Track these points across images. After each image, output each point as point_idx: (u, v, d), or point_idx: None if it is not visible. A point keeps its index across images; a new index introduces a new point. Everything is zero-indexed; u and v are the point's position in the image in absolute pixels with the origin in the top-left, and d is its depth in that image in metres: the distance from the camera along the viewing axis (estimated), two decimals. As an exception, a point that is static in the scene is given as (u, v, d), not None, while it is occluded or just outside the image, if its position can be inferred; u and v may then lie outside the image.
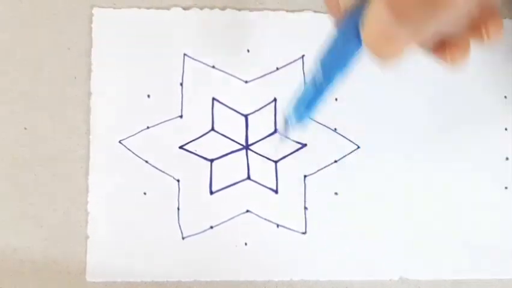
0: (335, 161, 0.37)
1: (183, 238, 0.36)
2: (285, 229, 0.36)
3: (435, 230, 0.37)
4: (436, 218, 0.37)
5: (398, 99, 0.38)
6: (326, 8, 0.36)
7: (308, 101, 0.29)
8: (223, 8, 0.37)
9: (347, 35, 0.27)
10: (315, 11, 0.38)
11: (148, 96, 0.37)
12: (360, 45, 0.26)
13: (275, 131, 0.37)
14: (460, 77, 0.38)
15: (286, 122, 0.31)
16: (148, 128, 0.37)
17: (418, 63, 0.38)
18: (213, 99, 0.37)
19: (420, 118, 0.37)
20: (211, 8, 0.37)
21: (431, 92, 0.38)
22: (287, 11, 0.38)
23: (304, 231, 0.36)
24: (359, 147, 0.37)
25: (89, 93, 0.37)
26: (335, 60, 0.28)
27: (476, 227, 0.37)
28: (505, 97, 0.38)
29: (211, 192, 0.36)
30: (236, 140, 0.37)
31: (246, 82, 0.37)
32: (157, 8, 0.37)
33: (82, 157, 0.36)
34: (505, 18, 0.38)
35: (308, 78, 0.33)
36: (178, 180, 0.36)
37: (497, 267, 0.37)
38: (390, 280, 0.37)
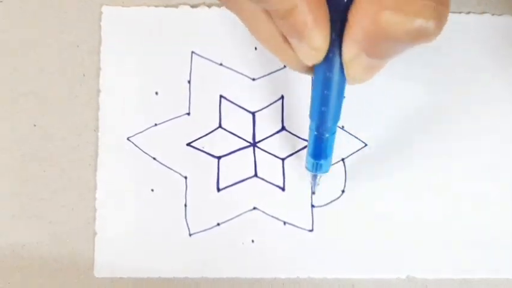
0: (342, 159, 0.37)
1: (190, 235, 0.36)
2: (292, 227, 0.36)
3: (443, 228, 0.37)
4: (444, 217, 0.37)
5: (406, 97, 0.37)
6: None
7: (316, 150, 0.31)
8: (231, 6, 0.38)
9: (326, 79, 0.27)
10: (322, 9, 0.38)
11: (156, 93, 0.37)
12: (343, 82, 0.27)
13: (282, 128, 0.37)
14: (468, 76, 0.38)
15: (313, 178, 0.35)
16: (155, 125, 0.37)
17: (427, 62, 0.38)
18: (221, 96, 0.37)
19: (429, 116, 0.37)
20: (219, 5, 0.38)
21: (439, 90, 0.37)
22: (295, 9, 0.38)
23: (311, 228, 0.36)
24: (366, 145, 0.37)
25: (98, 91, 0.37)
26: (323, 103, 0.28)
27: (485, 226, 0.37)
28: (514, 95, 0.38)
29: (218, 189, 0.37)
30: (243, 137, 0.37)
31: (254, 80, 0.37)
32: (166, 6, 0.38)
33: (90, 154, 0.37)
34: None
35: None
36: (185, 177, 0.36)
37: (506, 267, 0.36)
38: (397, 279, 0.36)
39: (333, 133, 0.31)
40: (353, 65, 0.25)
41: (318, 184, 0.36)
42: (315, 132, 0.30)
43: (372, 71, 0.26)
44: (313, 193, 0.37)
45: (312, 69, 0.27)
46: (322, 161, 0.32)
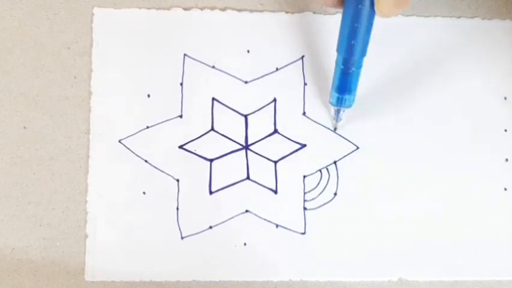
0: (335, 162, 0.37)
1: (182, 238, 0.36)
2: (285, 229, 0.36)
3: (434, 231, 0.37)
4: (435, 219, 0.37)
5: (397, 100, 0.38)
6: (324, 8, 0.37)
7: (341, 84, 0.33)
8: (223, 9, 0.38)
9: (357, 11, 0.29)
10: (314, 12, 0.38)
11: (148, 96, 0.37)
12: (373, 15, 0.29)
13: (275, 131, 0.37)
14: (459, 78, 0.38)
15: (336, 113, 0.36)
16: (147, 127, 0.37)
17: (417, 65, 0.38)
18: (213, 99, 0.37)
19: (420, 119, 0.38)
20: (212, 8, 0.38)
21: (430, 93, 0.38)
22: (287, 12, 0.38)
23: (303, 231, 0.36)
24: (358, 147, 0.37)
25: (89, 93, 0.37)
26: (352, 36, 0.30)
27: (475, 228, 0.37)
28: (505, 98, 0.38)
29: (211, 192, 0.36)
30: (236, 140, 0.37)
31: (246, 82, 0.37)
32: (158, 9, 0.37)
33: (81, 156, 0.36)
34: (505, 19, 0.38)
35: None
36: (177, 180, 0.36)
37: (496, 268, 0.37)
38: (389, 281, 0.36)
39: (359, 67, 0.32)
40: None
41: (340, 119, 0.36)
42: (342, 66, 0.32)
43: (400, 5, 0.28)
44: (335, 128, 0.37)
45: (341, 3, 0.29)
46: (346, 96, 0.33)
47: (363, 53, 0.31)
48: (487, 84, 0.38)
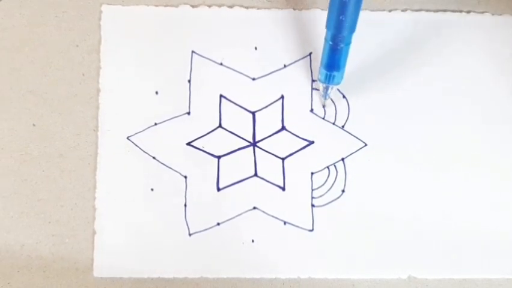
0: (342, 159, 0.37)
1: (190, 234, 0.36)
2: (292, 226, 0.36)
3: (443, 228, 0.36)
4: (444, 217, 0.37)
5: (406, 96, 0.37)
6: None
7: (330, 61, 0.33)
8: (231, 6, 0.38)
9: None
10: (322, 9, 0.38)
11: (156, 93, 0.37)
12: None
13: (282, 127, 0.37)
14: (469, 74, 0.37)
15: (325, 90, 0.35)
16: (155, 124, 0.37)
17: (426, 61, 0.37)
18: (221, 96, 0.37)
19: (428, 116, 0.37)
20: (219, 5, 0.38)
21: (439, 90, 0.37)
22: (294, 8, 0.38)
23: (311, 228, 0.36)
24: (366, 144, 0.37)
25: (98, 90, 0.37)
26: (341, 11, 0.30)
27: (484, 226, 0.37)
28: (514, 94, 0.38)
29: (218, 189, 0.36)
30: (243, 136, 0.37)
31: (254, 79, 0.37)
32: (166, 6, 0.37)
33: (89, 153, 0.36)
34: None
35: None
36: (185, 177, 0.36)
37: (505, 267, 0.36)
38: (398, 279, 0.36)
39: (348, 44, 0.32)
40: None
41: (328, 97, 0.36)
42: (330, 42, 0.32)
43: None
44: (323, 106, 0.37)
45: None
46: (335, 73, 0.33)
47: (352, 29, 0.31)
48: (497, 80, 0.38)
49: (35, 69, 0.37)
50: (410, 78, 0.37)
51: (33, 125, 0.37)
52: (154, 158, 0.36)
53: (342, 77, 0.34)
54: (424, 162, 0.37)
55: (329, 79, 0.34)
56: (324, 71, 0.33)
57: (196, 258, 0.36)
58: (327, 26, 0.31)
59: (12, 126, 0.37)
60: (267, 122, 0.37)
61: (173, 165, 0.36)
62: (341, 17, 0.30)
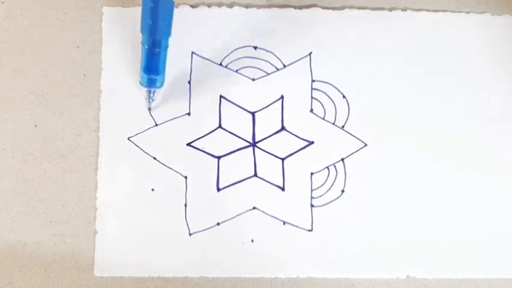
0: (342, 159, 0.37)
1: (190, 234, 0.36)
2: (292, 226, 0.36)
3: (442, 228, 0.37)
4: (444, 216, 0.37)
5: (406, 97, 0.37)
6: (331, 3, 0.36)
7: (148, 65, 0.34)
8: (230, 6, 0.38)
9: None
10: (322, 8, 0.38)
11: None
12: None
13: (282, 128, 0.37)
14: (469, 74, 0.37)
15: (148, 94, 0.36)
16: (156, 125, 0.37)
17: (426, 61, 0.37)
18: (221, 96, 0.37)
19: (428, 116, 0.37)
20: (219, 5, 0.38)
21: (439, 91, 0.37)
22: (295, 7, 0.38)
23: (310, 228, 0.36)
24: (366, 144, 0.37)
25: (99, 91, 0.37)
26: (150, 16, 0.31)
27: (484, 226, 0.37)
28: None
29: (218, 189, 0.37)
30: (243, 137, 0.37)
31: (253, 80, 0.37)
32: (166, 6, 0.38)
33: (91, 154, 0.37)
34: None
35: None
36: (185, 177, 0.37)
37: (505, 267, 0.36)
38: (397, 278, 0.36)
39: (165, 48, 0.33)
40: None
41: (153, 100, 0.36)
42: (146, 46, 0.33)
43: None
44: (149, 109, 0.37)
45: None
46: (154, 76, 0.34)
47: (167, 34, 0.32)
48: (496, 80, 0.38)
49: (37, 70, 0.37)
50: (410, 78, 0.37)
51: (35, 125, 0.37)
52: (154, 158, 0.37)
53: (163, 80, 0.35)
54: (424, 162, 0.37)
55: (150, 83, 0.35)
56: (144, 75, 0.34)
57: (196, 257, 0.36)
58: (141, 30, 0.32)
59: (13, 127, 0.37)
60: (267, 123, 0.37)
61: (173, 165, 0.37)
62: (150, 22, 0.31)
